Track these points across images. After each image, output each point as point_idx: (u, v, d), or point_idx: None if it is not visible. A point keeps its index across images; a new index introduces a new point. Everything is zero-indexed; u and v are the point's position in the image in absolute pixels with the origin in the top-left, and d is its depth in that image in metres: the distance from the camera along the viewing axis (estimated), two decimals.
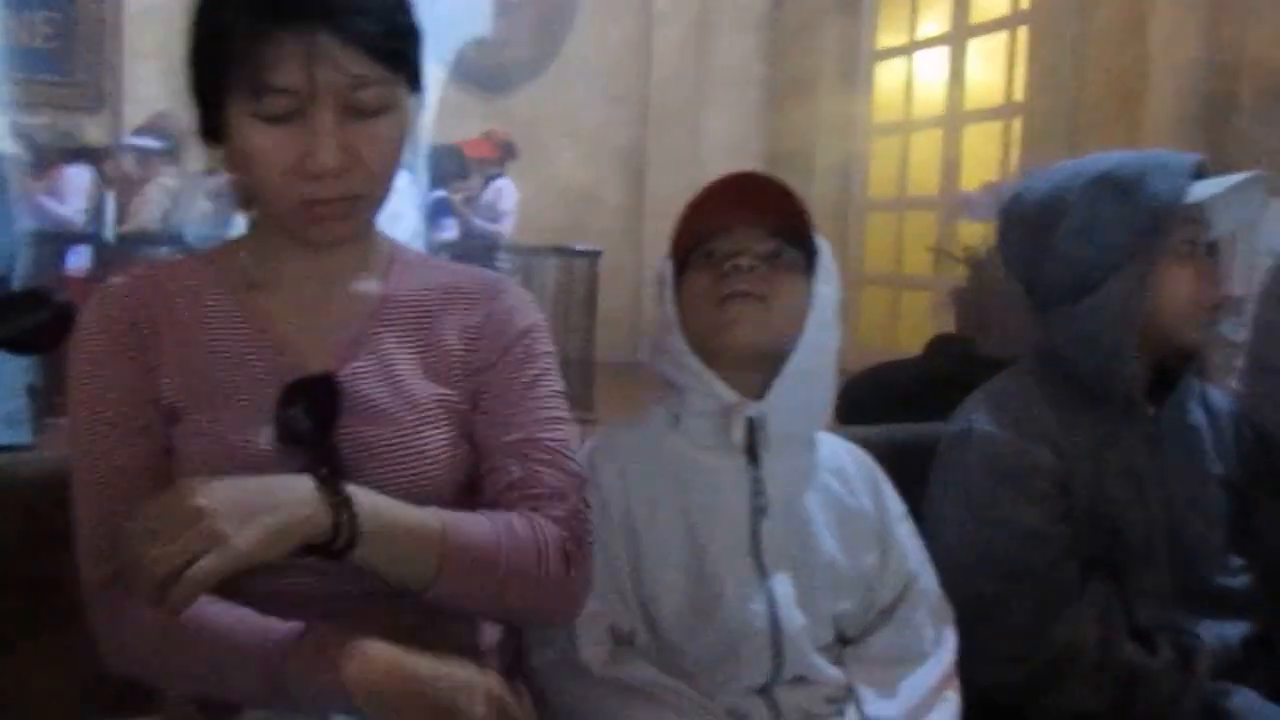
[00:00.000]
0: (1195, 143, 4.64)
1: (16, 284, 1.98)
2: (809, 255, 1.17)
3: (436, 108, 6.98)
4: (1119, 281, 1.25)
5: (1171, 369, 1.37)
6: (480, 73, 7.71)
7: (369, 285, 1.02)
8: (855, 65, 7.61)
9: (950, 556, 1.25)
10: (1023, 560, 1.24)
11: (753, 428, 1.13)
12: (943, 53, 6.96)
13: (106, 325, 0.95)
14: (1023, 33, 6.14)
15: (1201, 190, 1.27)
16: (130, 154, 6.00)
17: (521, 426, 1.00)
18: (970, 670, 1.21)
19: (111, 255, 5.49)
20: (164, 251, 5.40)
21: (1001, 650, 1.23)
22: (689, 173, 8.06)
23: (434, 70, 7.17)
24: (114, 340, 0.95)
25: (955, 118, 6.83)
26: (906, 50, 7.38)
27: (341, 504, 0.84)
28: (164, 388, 0.95)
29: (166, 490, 0.82)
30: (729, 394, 1.13)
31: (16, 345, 1.48)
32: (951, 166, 6.83)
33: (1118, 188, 1.27)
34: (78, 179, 5.67)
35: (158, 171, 5.72)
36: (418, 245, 5.29)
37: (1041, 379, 1.34)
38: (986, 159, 6.52)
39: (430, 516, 0.90)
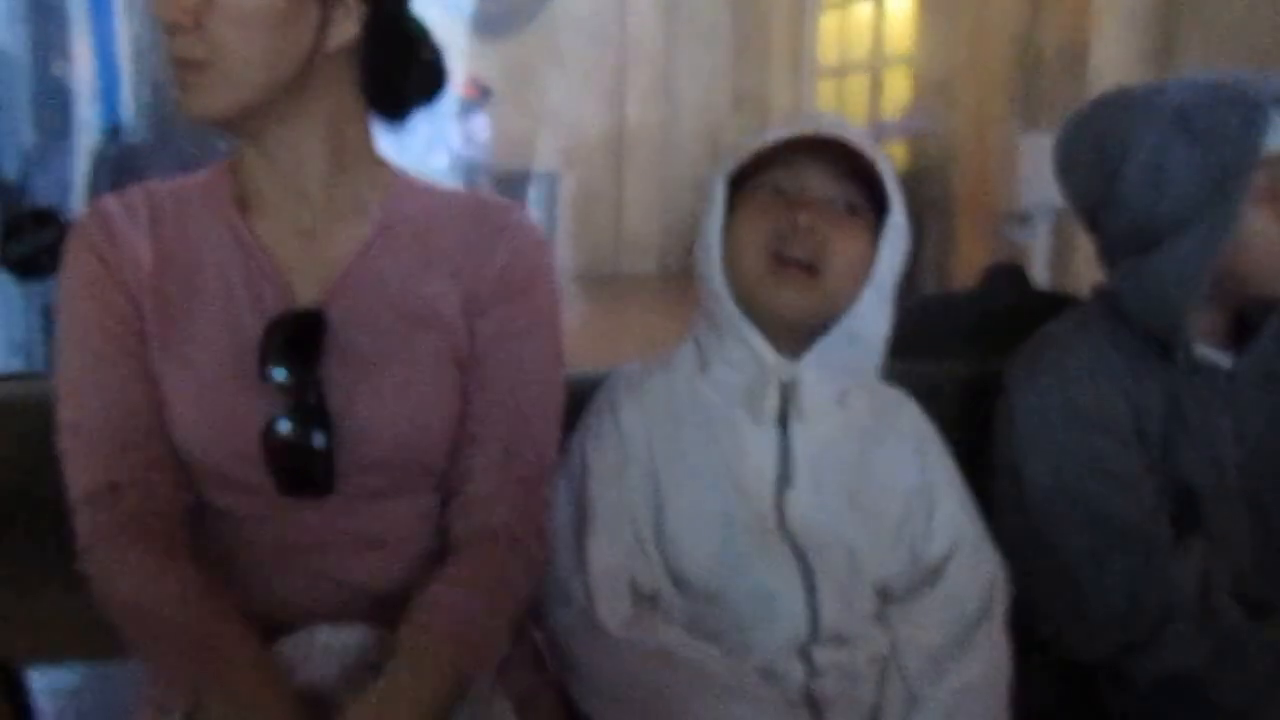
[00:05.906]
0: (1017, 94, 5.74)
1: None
2: (879, 210, 1.06)
3: (463, 54, 8.14)
4: (1188, 238, 1.12)
5: (1252, 317, 1.23)
6: (483, 19, 8.76)
7: (366, 212, 0.97)
8: (803, 13, 8.62)
9: (1035, 505, 1.17)
10: (1118, 509, 1.14)
11: (784, 390, 1.06)
12: (870, 4, 7.98)
13: (93, 246, 0.91)
14: None
15: None
16: None
17: (503, 398, 0.96)
18: (1060, 639, 1.16)
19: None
20: None
21: (1098, 614, 1.13)
22: (662, 106, 9.20)
23: (452, 20, 8.35)
24: (101, 261, 0.91)
25: (878, 62, 7.87)
26: (844, 1, 8.38)
27: None
28: (147, 312, 0.91)
29: None
30: (767, 353, 1.05)
31: (24, 267, 1.38)
32: (875, 106, 7.88)
33: (1189, 130, 1.12)
34: None
35: None
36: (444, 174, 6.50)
37: (1109, 328, 1.22)
38: (901, 100, 7.58)
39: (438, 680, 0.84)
